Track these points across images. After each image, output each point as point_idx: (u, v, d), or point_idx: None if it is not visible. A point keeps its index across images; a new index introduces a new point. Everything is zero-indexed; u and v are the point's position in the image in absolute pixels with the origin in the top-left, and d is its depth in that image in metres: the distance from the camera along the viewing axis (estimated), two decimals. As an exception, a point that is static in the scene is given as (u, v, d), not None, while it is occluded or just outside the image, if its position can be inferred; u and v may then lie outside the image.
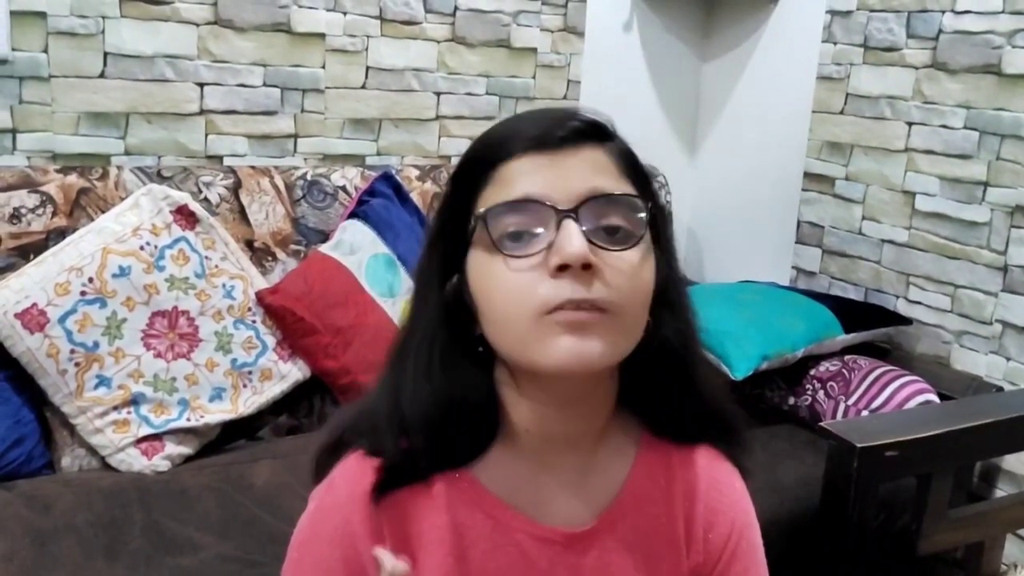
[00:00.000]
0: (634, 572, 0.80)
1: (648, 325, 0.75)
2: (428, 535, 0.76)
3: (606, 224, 0.71)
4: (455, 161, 2.40)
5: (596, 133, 0.74)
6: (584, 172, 0.72)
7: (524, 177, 0.71)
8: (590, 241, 0.69)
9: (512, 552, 0.77)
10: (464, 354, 0.75)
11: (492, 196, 0.72)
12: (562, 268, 0.68)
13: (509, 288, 0.70)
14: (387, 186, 2.07)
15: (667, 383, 0.80)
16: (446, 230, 0.76)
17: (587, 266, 0.68)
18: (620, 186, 0.73)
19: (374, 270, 1.96)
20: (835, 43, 2.31)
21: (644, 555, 0.80)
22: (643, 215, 0.73)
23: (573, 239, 0.68)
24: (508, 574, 0.77)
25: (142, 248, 1.73)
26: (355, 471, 0.76)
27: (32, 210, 1.74)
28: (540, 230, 0.70)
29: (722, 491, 0.84)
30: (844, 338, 2.05)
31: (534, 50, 2.41)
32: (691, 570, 0.82)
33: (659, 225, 0.77)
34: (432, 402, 0.75)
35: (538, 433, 0.77)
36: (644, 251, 0.73)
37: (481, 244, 0.72)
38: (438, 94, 2.30)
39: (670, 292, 0.78)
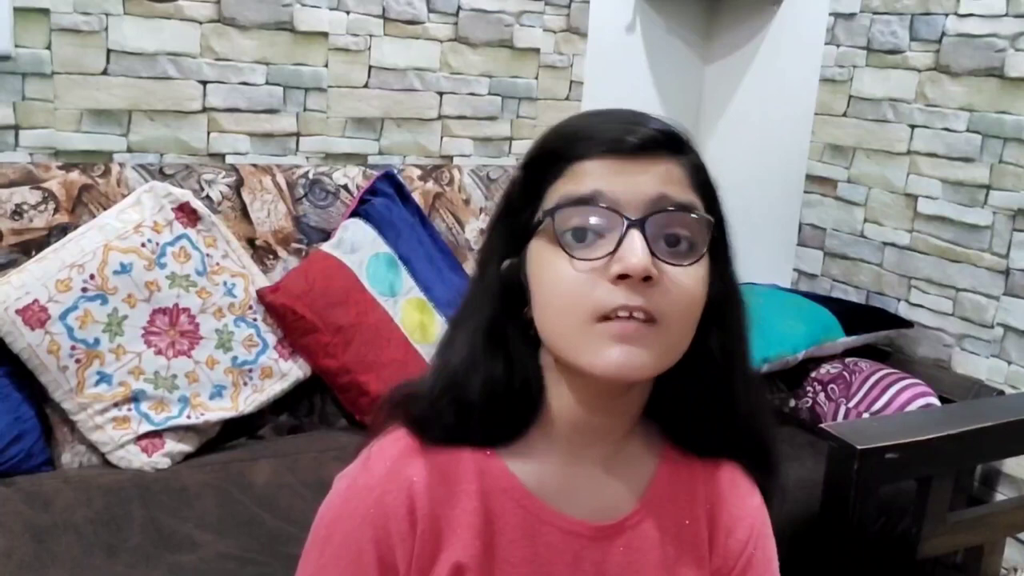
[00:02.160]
0: (657, 570, 0.80)
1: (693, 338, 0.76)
2: (459, 519, 0.76)
3: (669, 233, 0.72)
4: (458, 161, 2.39)
5: (670, 144, 0.75)
6: (655, 181, 0.73)
7: (596, 177, 0.73)
8: (653, 254, 0.70)
9: (539, 543, 0.78)
10: (514, 332, 0.77)
11: (563, 189, 0.74)
12: (622, 277, 0.70)
13: (566, 287, 0.72)
14: (389, 185, 2.07)
15: (701, 397, 0.80)
16: (513, 210, 0.78)
17: (647, 278, 0.70)
18: (688, 199, 0.74)
19: (375, 269, 1.96)
20: (838, 45, 2.31)
21: (668, 554, 0.81)
22: (707, 230, 0.74)
23: (638, 251, 0.70)
24: (533, 563, 0.78)
25: (143, 245, 1.73)
26: (391, 451, 0.78)
27: (34, 206, 1.74)
28: (606, 234, 0.71)
29: (743, 496, 0.84)
30: (845, 340, 2.05)
31: (537, 50, 2.41)
32: (712, 573, 0.83)
33: (720, 240, 0.78)
34: (478, 373, 0.77)
35: (571, 421, 0.78)
36: (702, 266, 0.74)
37: (545, 236, 0.74)
38: (440, 94, 2.30)
39: (722, 307, 0.78)
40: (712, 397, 0.80)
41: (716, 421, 0.81)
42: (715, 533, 0.83)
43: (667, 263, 0.71)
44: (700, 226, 0.74)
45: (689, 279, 0.73)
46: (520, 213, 0.76)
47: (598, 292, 0.71)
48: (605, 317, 0.70)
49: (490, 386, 0.77)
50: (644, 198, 0.72)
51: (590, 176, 0.73)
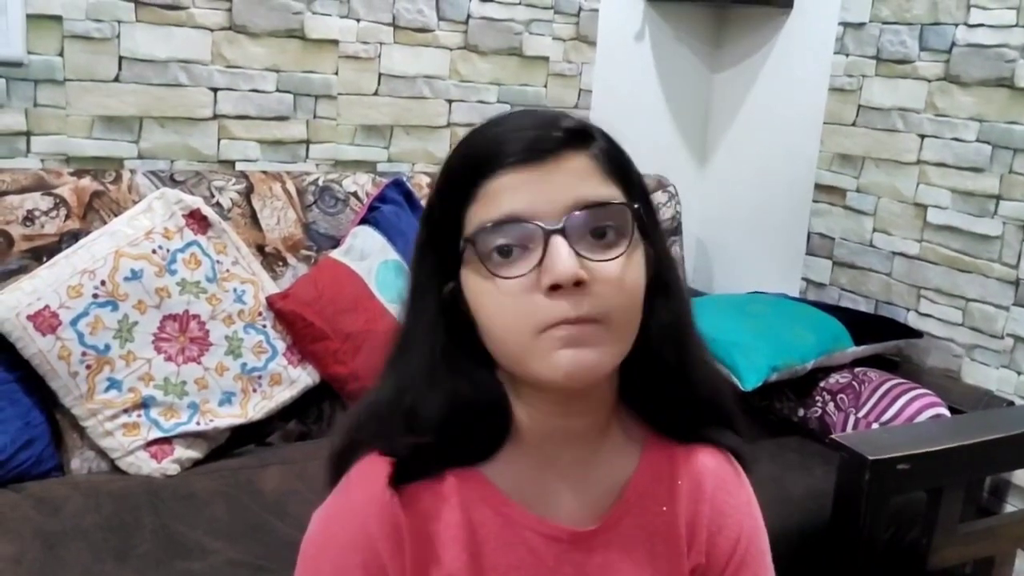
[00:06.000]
0: (637, 570, 0.80)
1: (643, 315, 0.76)
2: (444, 533, 0.76)
3: (594, 228, 0.71)
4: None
5: (574, 139, 0.73)
6: (568, 183, 0.71)
7: (508, 194, 0.71)
8: (579, 255, 0.70)
9: (521, 549, 0.78)
10: (467, 354, 0.76)
11: (478, 214, 0.72)
12: (555, 287, 0.69)
13: (505, 310, 0.72)
14: (398, 193, 2.07)
15: (664, 369, 0.80)
16: (435, 239, 0.77)
17: (579, 282, 0.69)
18: (605, 190, 0.73)
19: (384, 276, 1.96)
20: (847, 55, 2.31)
21: (647, 553, 0.81)
22: (629, 215, 0.73)
23: (563, 258, 0.69)
24: (518, 570, 0.78)
25: (154, 252, 1.73)
26: (369, 475, 0.77)
27: (45, 212, 1.74)
28: (529, 247, 0.71)
29: (730, 492, 0.84)
30: (854, 350, 2.05)
31: (546, 59, 2.41)
32: (691, 570, 0.82)
33: (645, 215, 0.76)
34: (442, 403, 0.76)
35: (540, 430, 0.78)
36: (632, 252, 0.73)
37: (472, 264, 0.73)
38: (450, 101, 2.31)
39: (662, 278, 0.78)
40: (672, 365, 0.80)
41: (680, 389, 0.81)
42: (695, 528, 0.82)
43: (596, 261, 0.71)
44: (623, 214, 0.73)
45: (623, 268, 0.72)
46: (444, 240, 0.75)
47: (536, 307, 0.70)
48: (549, 327, 0.70)
49: (458, 414, 0.76)
50: (559, 204, 0.71)
51: (500, 195, 0.71)
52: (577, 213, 0.70)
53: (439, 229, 0.76)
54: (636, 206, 0.74)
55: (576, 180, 0.72)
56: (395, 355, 0.80)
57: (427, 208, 0.79)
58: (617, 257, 0.71)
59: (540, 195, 0.71)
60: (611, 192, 0.73)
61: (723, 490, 0.83)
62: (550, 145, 0.72)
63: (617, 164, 0.75)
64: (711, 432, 0.84)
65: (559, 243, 0.69)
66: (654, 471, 0.82)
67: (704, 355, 0.83)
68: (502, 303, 0.71)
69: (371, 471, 0.77)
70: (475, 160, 0.73)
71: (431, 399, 0.76)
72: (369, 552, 0.75)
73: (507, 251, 0.71)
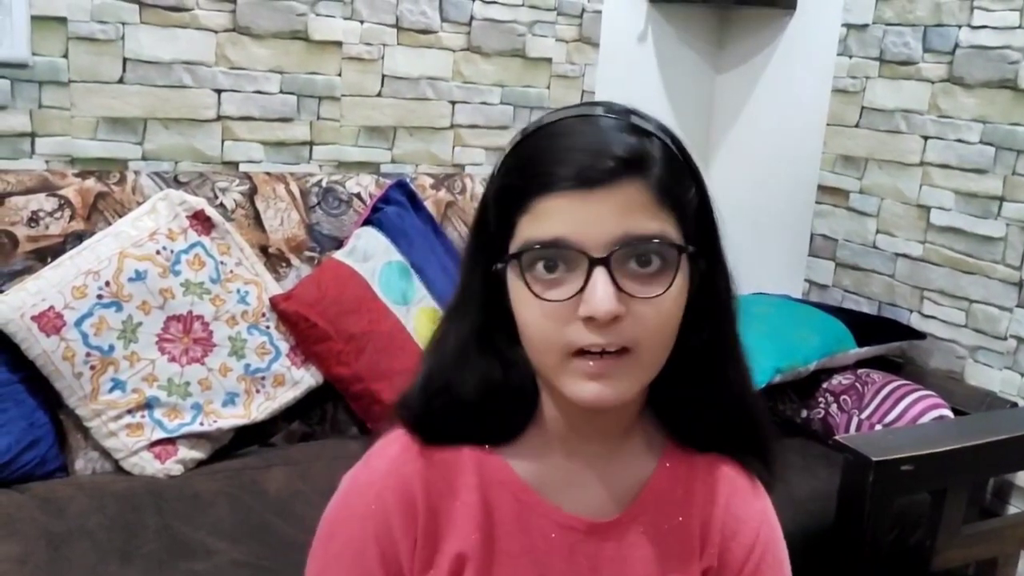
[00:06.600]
0: (649, 567, 0.81)
1: (682, 330, 0.76)
2: (459, 511, 0.79)
3: (640, 255, 0.71)
4: (470, 170, 2.40)
5: (633, 167, 0.72)
6: (618, 214, 0.71)
7: (557, 217, 0.71)
8: (620, 289, 0.70)
9: (535, 535, 0.80)
10: (505, 336, 0.78)
11: (527, 227, 0.73)
12: (590, 318, 0.70)
13: (542, 327, 0.73)
14: (401, 194, 2.08)
15: (694, 390, 0.81)
16: (487, 223, 0.78)
17: (615, 317, 0.70)
18: (654, 223, 0.72)
19: (388, 278, 1.96)
20: (851, 56, 2.31)
21: (660, 552, 0.82)
22: (677, 250, 0.72)
23: (602, 294, 0.69)
24: (531, 555, 0.79)
25: (158, 253, 1.74)
26: (391, 449, 0.80)
27: (50, 213, 1.75)
28: (574, 267, 0.71)
29: (745, 500, 0.84)
30: (857, 352, 2.05)
31: (549, 60, 2.41)
32: (703, 571, 0.83)
33: (699, 230, 0.76)
34: (475, 383, 0.79)
35: (564, 424, 0.80)
36: (677, 282, 0.73)
37: (516, 270, 0.73)
38: (453, 103, 2.31)
39: (706, 302, 0.78)
40: (704, 389, 0.81)
41: (710, 412, 0.82)
42: (709, 533, 0.83)
43: (638, 297, 0.71)
44: (669, 249, 0.72)
45: (662, 303, 0.72)
46: (495, 234, 0.76)
47: (569, 331, 0.71)
48: (580, 351, 0.71)
49: (485, 387, 0.79)
50: (606, 235, 0.70)
51: (550, 217, 0.71)
52: (622, 248, 0.70)
53: (492, 223, 0.77)
54: (683, 245, 0.73)
55: (626, 212, 0.71)
56: (438, 331, 0.83)
57: (485, 192, 0.79)
58: (660, 295, 0.71)
59: (589, 223, 0.70)
60: (661, 225, 0.72)
61: (738, 496, 0.84)
62: (603, 175, 0.71)
63: (671, 191, 0.73)
64: (733, 450, 0.85)
65: (600, 277, 0.70)
66: (672, 474, 0.84)
67: (742, 375, 0.83)
68: (540, 320, 0.72)
69: (394, 445, 0.80)
70: (530, 173, 0.73)
71: (465, 378, 0.79)
72: (383, 524, 0.77)
73: (552, 266, 0.71)
